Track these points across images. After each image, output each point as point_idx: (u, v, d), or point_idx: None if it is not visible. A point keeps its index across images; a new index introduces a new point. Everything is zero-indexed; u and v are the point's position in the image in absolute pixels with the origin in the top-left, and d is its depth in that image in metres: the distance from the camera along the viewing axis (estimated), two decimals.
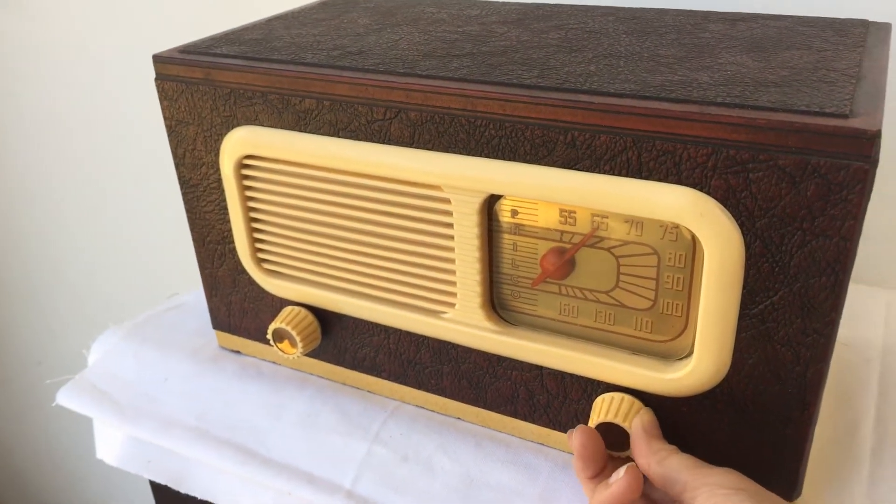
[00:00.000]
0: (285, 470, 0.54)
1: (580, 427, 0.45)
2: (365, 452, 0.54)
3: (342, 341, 0.57)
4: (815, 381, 0.41)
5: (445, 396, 0.55)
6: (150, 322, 0.69)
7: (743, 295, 0.41)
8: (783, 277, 0.40)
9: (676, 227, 0.43)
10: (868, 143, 0.35)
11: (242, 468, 0.55)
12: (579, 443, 0.45)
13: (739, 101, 0.39)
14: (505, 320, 0.50)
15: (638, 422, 0.44)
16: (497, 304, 0.50)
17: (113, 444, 0.62)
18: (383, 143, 0.47)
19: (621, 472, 0.41)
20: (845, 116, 0.36)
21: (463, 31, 0.54)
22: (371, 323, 0.55)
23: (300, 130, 0.50)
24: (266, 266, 0.57)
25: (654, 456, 0.43)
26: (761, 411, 0.44)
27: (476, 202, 0.46)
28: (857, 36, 0.48)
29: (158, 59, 0.54)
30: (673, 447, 0.43)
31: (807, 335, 0.40)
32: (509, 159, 0.44)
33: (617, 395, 0.47)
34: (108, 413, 0.60)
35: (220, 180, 0.56)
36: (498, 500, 0.49)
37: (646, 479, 0.45)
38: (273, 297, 0.58)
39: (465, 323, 0.50)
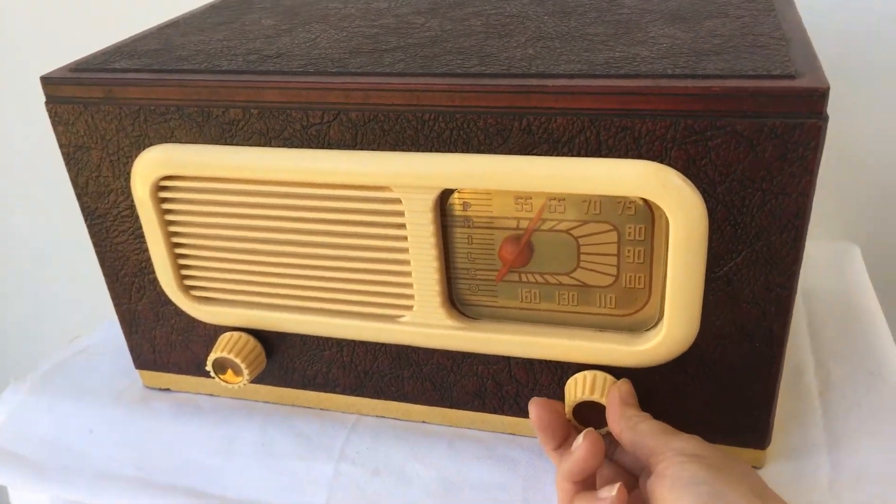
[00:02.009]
0: None
1: (534, 399, 0.46)
2: (332, 473, 0.51)
3: (289, 361, 0.54)
4: (780, 334, 0.43)
5: (408, 402, 0.53)
6: (58, 371, 0.62)
7: (708, 259, 0.42)
8: (746, 238, 0.41)
9: (633, 200, 0.43)
10: (820, 101, 0.37)
11: None
12: (535, 415, 0.45)
13: (689, 71, 0.39)
14: (466, 316, 0.49)
15: (615, 391, 0.45)
16: (456, 301, 0.49)
17: None
18: (323, 147, 0.45)
19: (580, 438, 0.42)
20: (793, 77, 0.38)
21: (380, 25, 0.52)
22: (321, 338, 0.52)
23: (226, 143, 0.46)
24: (195, 293, 0.53)
25: (626, 422, 0.43)
26: (731, 369, 0.45)
27: (429, 199, 0.44)
28: (764, 1, 0.51)
29: (49, 81, 0.48)
30: (646, 414, 0.44)
31: (771, 290, 0.42)
32: (462, 151, 0.42)
33: (588, 374, 0.47)
34: (29, 478, 0.54)
35: (132, 207, 0.51)
36: (482, 498, 0.48)
37: (618, 446, 0.46)
38: (205, 325, 0.54)
39: (425, 324, 0.48)
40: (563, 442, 0.45)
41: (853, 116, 0.75)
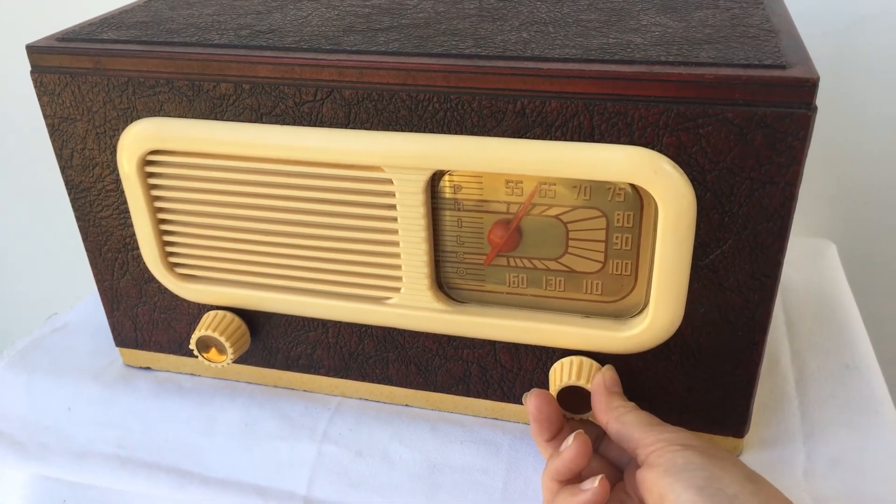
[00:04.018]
0: (230, 486, 0.50)
1: (535, 391, 0.45)
2: (315, 454, 0.51)
3: (273, 342, 0.54)
4: (762, 322, 0.44)
5: (392, 385, 0.53)
6: (35, 348, 0.61)
7: (695, 247, 0.42)
8: (733, 226, 0.41)
9: (623, 187, 0.43)
10: (809, 91, 0.37)
11: (180, 492, 0.50)
12: (535, 406, 0.45)
13: (682, 59, 0.40)
14: (453, 299, 0.49)
15: (600, 378, 0.45)
16: (443, 284, 0.49)
17: (15, 487, 0.55)
18: (315, 125, 0.44)
19: (570, 439, 0.42)
20: (783, 67, 0.38)
21: (372, 5, 0.52)
22: (306, 319, 0.52)
23: (216, 118, 0.46)
24: (180, 271, 0.53)
25: (612, 412, 0.43)
26: (713, 356, 0.46)
27: (421, 180, 0.44)
28: None
29: (34, 50, 0.47)
30: (632, 404, 0.44)
31: (755, 279, 0.42)
32: (456, 133, 0.43)
33: (573, 359, 0.47)
34: (7, 453, 0.53)
35: (118, 181, 0.50)
36: (465, 481, 0.48)
37: (604, 439, 0.47)
38: (189, 303, 0.54)
39: (412, 306, 0.49)
40: (555, 434, 0.45)
41: (832, 114, 0.76)
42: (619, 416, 0.43)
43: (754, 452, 0.49)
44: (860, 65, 0.74)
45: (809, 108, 0.38)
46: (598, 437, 0.47)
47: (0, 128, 0.99)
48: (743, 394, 0.47)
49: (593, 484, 0.40)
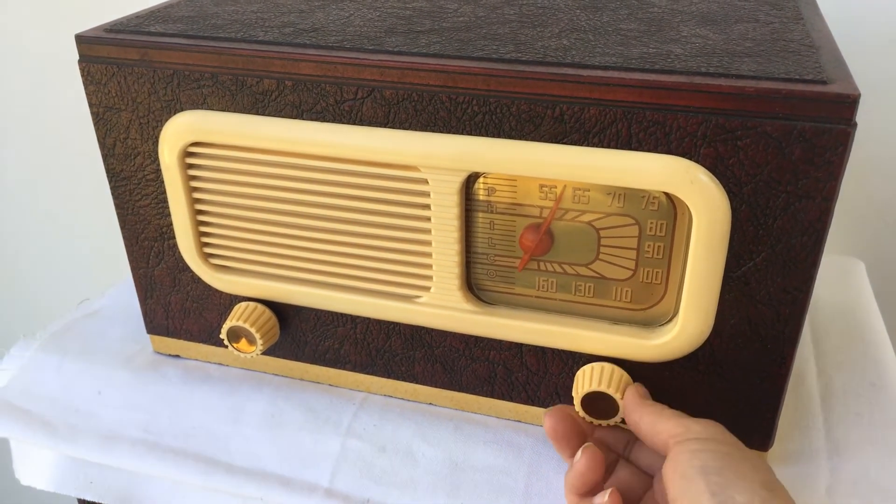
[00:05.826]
0: (254, 475, 0.51)
1: (548, 410, 0.46)
2: (339, 447, 0.51)
3: (301, 335, 0.55)
4: (792, 337, 0.44)
5: (417, 383, 0.54)
6: (68, 331, 0.63)
7: (728, 258, 0.42)
8: (767, 239, 0.41)
9: (657, 196, 0.44)
10: (849, 107, 0.37)
11: (205, 478, 0.51)
12: (549, 426, 0.46)
13: (722, 70, 0.40)
14: (482, 300, 0.50)
15: (633, 389, 0.46)
16: (473, 285, 0.50)
17: (43, 467, 0.56)
18: (355, 123, 0.45)
19: (579, 453, 0.43)
20: (824, 83, 0.38)
21: (414, 8, 0.53)
22: (335, 314, 0.53)
23: (258, 114, 0.47)
24: (214, 261, 0.53)
25: (644, 409, 0.44)
26: (741, 369, 0.46)
27: (456, 182, 0.45)
28: (792, 9, 0.51)
29: (83, 40, 0.48)
30: (663, 405, 0.44)
31: (787, 293, 0.43)
32: (493, 136, 0.43)
33: (599, 365, 0.47)
34: (37, 433, 0.54)
35: (158, 171, 0.51)
36: (486, 481, 0.49)
37: (635, 444, 0.47)
38: (221, 294, 0.55)
39: (441, 306, 0.49)
40: (578, 449, 0.45)
41: (861, 131, 0.75)
42: (650, 412, 0.43)
43: (778, 467, 0.49)
44: (892, 83, 0.73)
45: (849, 125, 0.38)
46: (629, 442, 0.47)
47: (39, 116, 1.01)
48: (769, 407, 0.47)
49: (603, 499, 0.41)
